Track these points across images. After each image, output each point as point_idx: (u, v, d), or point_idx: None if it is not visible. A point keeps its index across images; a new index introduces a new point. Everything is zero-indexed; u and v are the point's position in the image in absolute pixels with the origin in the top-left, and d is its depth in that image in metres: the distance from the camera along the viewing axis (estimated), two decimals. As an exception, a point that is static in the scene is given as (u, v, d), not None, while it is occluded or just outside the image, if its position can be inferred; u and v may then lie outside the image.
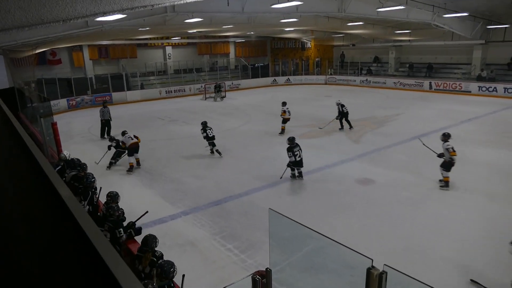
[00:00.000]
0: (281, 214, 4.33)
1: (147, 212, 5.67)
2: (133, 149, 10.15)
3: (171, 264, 4.05)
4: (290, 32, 27.88)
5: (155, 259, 4.44)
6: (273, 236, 4.93)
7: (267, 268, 4.32)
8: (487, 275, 5.29)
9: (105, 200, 5.87)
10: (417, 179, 9.06)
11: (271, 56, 35.97)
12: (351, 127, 14.13)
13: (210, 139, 11.17)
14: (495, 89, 21.40)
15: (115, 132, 12.86)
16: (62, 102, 20.85)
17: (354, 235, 6.45)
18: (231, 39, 32.84)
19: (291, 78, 31.39)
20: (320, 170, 9.86)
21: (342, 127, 14.15)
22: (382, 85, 26.86)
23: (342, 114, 13.93)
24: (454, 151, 8.14)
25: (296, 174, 9.20)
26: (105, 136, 13.64)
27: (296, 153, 8.91)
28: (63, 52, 24.92)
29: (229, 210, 7.63)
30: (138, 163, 10.44)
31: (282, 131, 13.80)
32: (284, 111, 13.79)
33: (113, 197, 5.80)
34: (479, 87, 22.10)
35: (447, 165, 8.24)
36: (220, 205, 7.90)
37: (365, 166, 10.10)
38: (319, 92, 25.95)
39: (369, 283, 3.37)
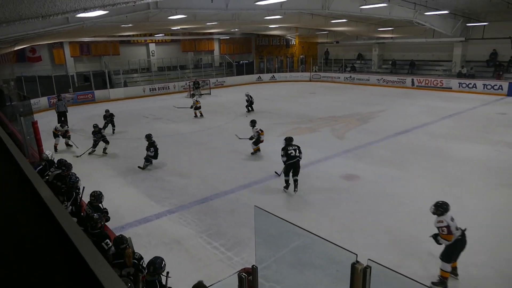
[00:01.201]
0: (266, 211, 4.35)
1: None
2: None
3: (161, 259, 4.08)
4: (274, 29, 27.89)
5: (136, 261, 4.30)
6: (259, 233, 4.95)
7: (253, 265, 4.33)
8: (470, 267, 5.42)
9: (89, 200, 5.78)
10: (401, 174, 9.21)
11: (255, 53, 35.95)
12: (250, 111, 17.45)
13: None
14: (474, 86, 21.90)
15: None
16: (43, 101, 20.37)
17: (339, 230, 6.52)
18: (216, 36, 32.67)
19: (276, 75, 31.44)
20: (305, 167, 9.90)
21: (249, 111, 17.48)
22: (365, 82, 27.17)
23: (250, 103, 17.38)
24: (262, 131, 10.90)
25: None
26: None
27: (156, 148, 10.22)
28: (43, 49, 24.38)
29: (215, 208, 7.62)
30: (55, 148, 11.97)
31: (196, 115, 16.75)
32: (197, 101, 16.88)
33: (96, 196, 5.71)
34: (459, 83, 22.58)
35: (256, 141, 10.94)
36: (206, 203, 7.88)
37: (349, 162, 10.21)
38: (304, 89, 26.09)
39: (354, 277, 3.42)
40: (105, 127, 13.66)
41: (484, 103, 18.52)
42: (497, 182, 8.57)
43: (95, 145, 11.51)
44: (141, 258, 4.36)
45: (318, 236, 4.27)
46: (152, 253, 4.61)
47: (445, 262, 5.07)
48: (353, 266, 3.37)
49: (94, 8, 7.55)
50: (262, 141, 11.07)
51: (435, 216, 5.17)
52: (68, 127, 12.70)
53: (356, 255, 3.33)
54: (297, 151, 8.02)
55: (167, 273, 4.14)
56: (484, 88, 21.50)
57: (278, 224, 4.65)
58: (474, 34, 23.39)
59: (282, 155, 8.06)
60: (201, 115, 16.84)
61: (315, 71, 31.19)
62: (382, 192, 8.16)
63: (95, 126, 11.63)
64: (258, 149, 11.15)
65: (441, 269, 5.12)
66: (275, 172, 9.10)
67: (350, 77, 28.43)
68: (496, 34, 22.15)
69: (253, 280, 4.01)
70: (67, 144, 12.47)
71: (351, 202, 7.75)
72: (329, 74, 30.08)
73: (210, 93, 24.32)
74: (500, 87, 20.89)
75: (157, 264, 3.99)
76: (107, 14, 11.53)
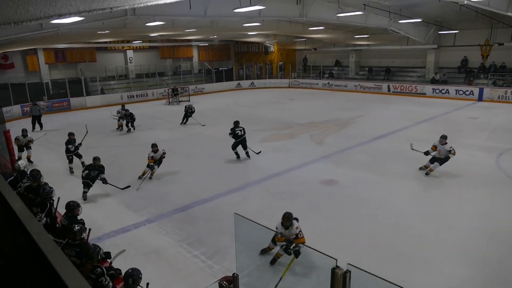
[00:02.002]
0: (246, 218, 4.34)
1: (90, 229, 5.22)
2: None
3: (138, 270, 4.00)
4: (253, 36, 28.07)
5: (93, 276, 4.05)
6: (240, 240, 4.93)
7: (234, 273, 4.30)
8: (447, 267, 5.55)
9: (65, 212, 5.61)
10: (379, 178, 9.38)
11: (234, 60, 36.03)
12: (184, 122, 16.77)
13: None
14: (447, 91, 22.62)
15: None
16: (16, 109, 19.75)
17: (320, 236, 6.53)
18: (194, 43, 32.59)
19: (255, 81, 31.58)
20: (285, 172, 9.97)
21: (183, 122, 16.72)
22: (343, 88, 27.62)
23: (191, 113, 16.73)
24: (165, 152, 9.80)
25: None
26: (37, 129, 15.91)
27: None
28: (16, 55, 23.70)
29: (195, 216, 7.54)
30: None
31: (119, 127, 15.94)
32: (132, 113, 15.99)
33: (73, 207, 5.56)
34: (433, 89, 23.28)
35: (159, 163, 9.79)
36: (185, 211, 7.78)
37: (329, 167, 10.33)
38: (283, 95, 26.30)
39: (334, 282, 3.44)
40: (127, 124, 15.54)
41: (457, 108, 19.13)
42: (471, 184, 8.85)
43: (71, 160, 10.39)
44: (102, 274, 4.11)
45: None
46: (130, 263, 4.51)
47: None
48: (333, 271, 3.40)
49: (69, 15, 7.38)
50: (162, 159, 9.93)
51: (283, 227, 5.15)
52: (31, 138, 11.31)
53: (336, 260, 3.36)
54: (243, 131, 10.78)
55: (147, 284, 4.06)
56: (456, 94, 22.23)
57: (258, 230, 4.66)
58: (445, 42, 24.22)
59: (230, 134, 10.76)
60: (120, 127, 15.90)
61: (294, 78, 31.51)
62: (360, 197, 8.28)
63: (71, 134, 10.49)
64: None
65: (279, 253, 5.26)
66: (253, 151, 11.28)
67: (328, 83, 28.85)
68: (466, 41, 23.02)
69: (234, 288, 3.98)
70: (29, 160, 11.13)
71: (330, 207, 7.83)
72: (308, 81, 30.45)
73: (189, 100, 24.15)
74: (471, 93, 21.66)
75: (135, 276, 3.91)
76: (83, 21, 11.34)
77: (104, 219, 7.39)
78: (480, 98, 21.27)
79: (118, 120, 15.81)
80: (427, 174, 9.39)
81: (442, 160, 9.24)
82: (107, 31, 17.36)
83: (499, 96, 20.72)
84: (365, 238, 6.48)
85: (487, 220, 7.08)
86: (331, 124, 16.06)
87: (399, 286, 2.84)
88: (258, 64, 34.00)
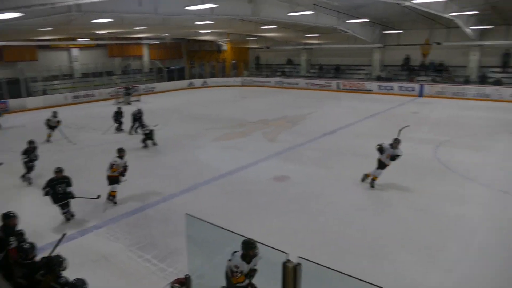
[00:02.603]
0: (198, 218, 4.29)
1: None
2: None
3: (82, 281, 3.79)
4: (206, 35, 27.81)
5: (58, 286, 3.82)
6: (192, 241, 4.86)
7: (187, 274, 4.24)
8: (393, 255, 5.84)
9: (2, 223, 5.18)
10: (329, 173, 9.67)
11: (186, 59, 35.50)
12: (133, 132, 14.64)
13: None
14: (391, 88, 23.87)
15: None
16: None
17: (273, 232, 6.62)
18: (145, 41, 31.67)
19: (208, 80, 31.35)
20: (237, 171, 9.98)
21: (137, 131, 14.35)
22: (295, 86, 28.21)
23: (141, 117, 14.22)
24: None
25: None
26: None
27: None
28: None
29: (147, 219, 7.32)
30: None
31: (48, 138, 13.81)
32: (56, 122, 13.85)
33: (9, 217, 5.13)
34: (379, 86, 24.49)
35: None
36: (136, 214, 7.53)
37: (281, 164, 10.48)
38: (236, 94, 26.35)
39: (286, 276, 3.51)
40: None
41: (400, 104, 20.23)
42: (413, 175, 9.36)
43: (30, 168, 9.30)
44: (67, 283, 3.87)
45: (250, 238, 4.31)
46: (77, 273, 4.28)
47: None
48: (285, 265, 3.46)
49: (5, 10, 6.90)
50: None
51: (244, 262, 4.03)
52: None
53: (287, 254, 3.42)
54: (151, 126, 12.75)
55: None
56: (399, 90, 23.54)
57: (211, 230, 4.61)
58: (390, 41, 25.51)
59: (142, 133, 12.81)
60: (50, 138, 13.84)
61: (247, 76, 31.65)
62: (311, 192, 8.47)
63: (30, 142, 9.30)
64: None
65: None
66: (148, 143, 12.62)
67: (281, 81, 29.32)
68: (408, 41, 24.40)
69: (186, 290, 3.92)
70: None
71: (282, 204, 7.94)
72: (260, 79, 30.75)
73: (139, 100, 23.46)
74: (413, 89, 23.05)
75: (78, 287, 3.71)
76: (23, 17, 10.58)
77: (46, 228, 6.96)
78: (421, 94, 22.68)
79: (50, 128, 13.80)
80: (372, 186, 8.61)
81: (385, 165, 8.51)
82: (49, 28, 16.41)
83: (437, 91, 22.19)
84: (317, 234, 6.64)
85: (430, 209, 7.52)
86: (283, 121, 16.32)
87: (348, 275, 2.94)
88: (211, 63, 33.77)
